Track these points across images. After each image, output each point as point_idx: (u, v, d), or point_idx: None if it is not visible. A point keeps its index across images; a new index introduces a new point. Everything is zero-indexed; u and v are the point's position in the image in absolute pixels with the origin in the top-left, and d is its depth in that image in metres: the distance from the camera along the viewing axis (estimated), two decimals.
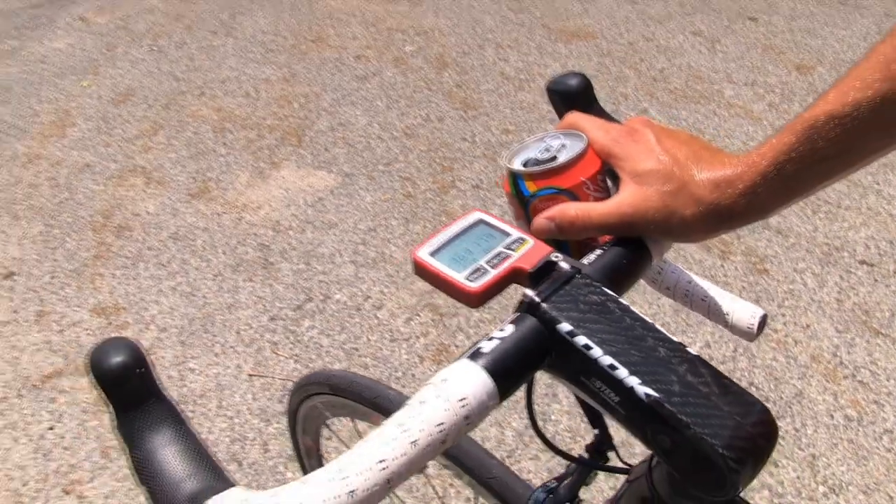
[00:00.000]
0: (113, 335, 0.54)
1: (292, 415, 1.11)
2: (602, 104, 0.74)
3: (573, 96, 0.71)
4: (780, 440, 1.90)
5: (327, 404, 1.01)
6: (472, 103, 3.38)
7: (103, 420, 2.04)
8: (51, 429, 2.01)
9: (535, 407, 1.95)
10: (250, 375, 2.11)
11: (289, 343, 2.21)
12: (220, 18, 4.38)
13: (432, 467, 1.80)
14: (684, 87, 3.47)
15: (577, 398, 0.70)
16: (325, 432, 1.15)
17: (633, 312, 0.51)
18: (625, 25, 4.11)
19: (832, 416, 1.96)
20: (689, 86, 3.48)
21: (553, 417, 1.95)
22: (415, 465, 0.44)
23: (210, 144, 3.16)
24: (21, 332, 2.33)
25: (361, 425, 1.01)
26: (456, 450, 0.87)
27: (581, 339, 0.49)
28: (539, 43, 3.92)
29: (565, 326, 0.49)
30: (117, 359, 0.47)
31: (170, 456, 0.47)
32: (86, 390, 2.12)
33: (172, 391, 2.11)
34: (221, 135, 3.22)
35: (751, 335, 0.72)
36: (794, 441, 1.90)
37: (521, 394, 1.76)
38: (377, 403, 0.90)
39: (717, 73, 3.59)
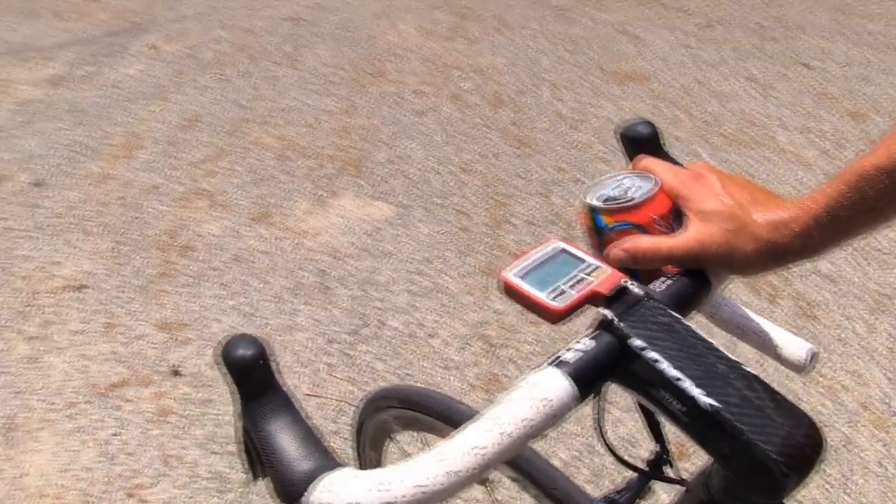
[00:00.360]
0: (241, 332, 0.61)
1: (359, 427, 1.18)
2: None
3: (643, 142, 0.79)
4: (827, 487, 1.92)
5: (398, 418, 1.08)
6: (526, 141, 3.47)
7: (165, 429, 2.13)
8: (116, 435, 2.11)
9: (579, 436, 2.00)
10: (306, 395, 2.19)
11: (344, 366, 2.29)
12: (283, 50, 4.52)
13: (496, 481, 1.86)
14: (737, 132, 3.51)
15: (642, 413, 0.76)
16: (388, 447, 1.22)
17: (696, 333, 0.58)
18: (678, 69, 4.17)
19: (882, 466, 1.97)
20: (742, 130, 3.53)
21: (597, 448, 2.00)
22: (506, 453, 0.51)
23: (272, 171, 3.28)
24: (90, 342, 2.44)
25: (430, 439, 1.08)
26: (523, 461, 0.94)
27: (650, 354, 0.56)
28: (593, 84, 3.99)
29: (637, 342, 0.57)
30: (245, 352, 0.55)
31: (287, 439, 0.54)
32: (148, 400, 2.22)
33: (231, 407, 2.20)
34: (283, 162, 3.34)
35: (800, 368, 0.79)
36: (840, 487, 1.92)
37: (566, 427, 1.81)
38: (449, 417, 0.97)
39: (770, 118, 3.63)
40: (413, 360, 2.29)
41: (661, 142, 0.81)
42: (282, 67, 4.28)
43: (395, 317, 2.47)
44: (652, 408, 0.57)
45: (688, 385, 0.54)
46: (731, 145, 3.40)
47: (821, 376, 2.22)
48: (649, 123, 0.80)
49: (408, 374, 2.23)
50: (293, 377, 2.25)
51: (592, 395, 0.58)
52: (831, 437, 2.04)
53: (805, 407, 1.90)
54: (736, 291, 2.54)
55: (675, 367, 0.55)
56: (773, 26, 4.70)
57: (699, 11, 4.94)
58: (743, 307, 0.81)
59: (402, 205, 3.03)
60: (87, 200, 3.15)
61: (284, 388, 0.56)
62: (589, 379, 0.55)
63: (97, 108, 3.92)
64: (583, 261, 0.65)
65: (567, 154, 3.36)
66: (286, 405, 0.55)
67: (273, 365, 0.56)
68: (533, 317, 2.15)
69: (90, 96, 4.07)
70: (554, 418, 0.53)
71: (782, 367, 0.81)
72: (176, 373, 2.31)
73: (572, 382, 0.54)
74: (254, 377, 0.55)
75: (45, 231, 2.97)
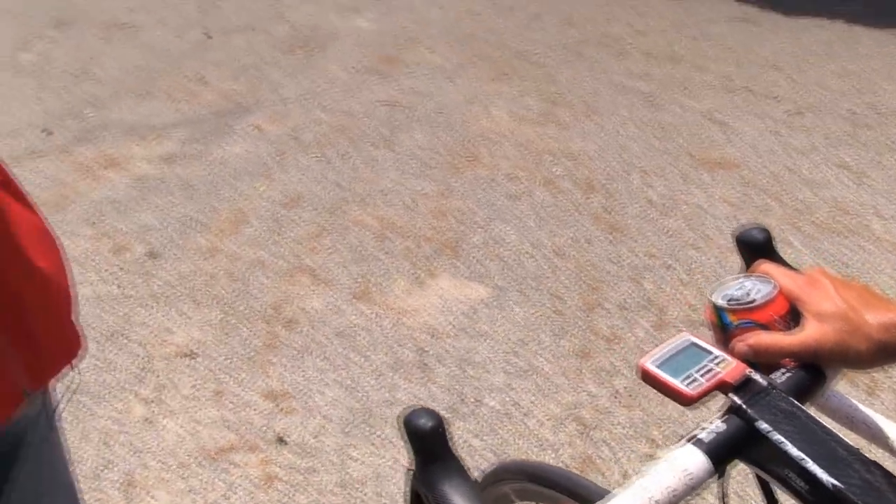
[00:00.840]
0: (420, 405, 0.69)
1: None
2: None
3: (758, 246, 0.88)
4: None
5: (518, 491, 1.16)
6: (618, 227, 3.55)
7: (271, 495, 2.24)
8: (225, 497, 2.23)
9: None
10: (408, 469, 2.28)
11: None
12: (380, 133, 4.72)
13: None
14: (829, 220, 3.53)
15: (762, 491, 0.83)
16: None
17: (815, 420, 0.66)
18: (768, 156, 4.21)
19: None
20: (835, 219, 3.54)
21: None
22: None
23: (371, 250, 3.43)
24: (200, 407, 2.58)
25: None
26: None
27: (776, 436, 0.64)
28: (683, 171, 4.07)
29: (763, 425, 0.65)
30: (425, 423, 0.65)
31: (459, 498, 0.64)
32: (255, 466, 2.34)
33: (334, 476, 2.30)
34: (382, 242, 3.49)
35: None
36: None
37: None
38: (574, 492, 1.04)
39: (864, 206, 3.63)
40: (509, 439, 2.37)
41: (774, 245, 0.89)
42: (379, 150, 4.47)
43: (492, 395, 2.56)
44: (776, 485, 0.64)
45: (811, 465, 0.62)
46: (823, 234, 3.42)
47: None
48: (764, 229, 0.89)
49: (504, 452, 2.31)
50: (393, 450, 2.34)
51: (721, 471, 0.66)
52: None
53: None
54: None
55: (799, 449, 0.63)
56: (865, 113, 4.71)
57: (788, 98, 4.99)
58: (851, 398, 0.87)
59: (498, 287, 3.13)
60: (197, 272, 3.35)
61: (456, 455, 0.66)
62: (721, 456, 0.64)
63: (206, 185, 4.16)
64: (710, 353, 0.75)
65: (658, 241, 3.43)
66: (458, 469, 0.65)
67: (449, 434, 0.66)
68: (626, 400, 2.26)
69: (200, 173, 4.32)
70: (692, 489, 0.62)
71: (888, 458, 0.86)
72: (281, 441, 2.42)
73: (708, 458, 0.63)
74: (432, 445, 0.65)
75: (159, 300, 3.17)
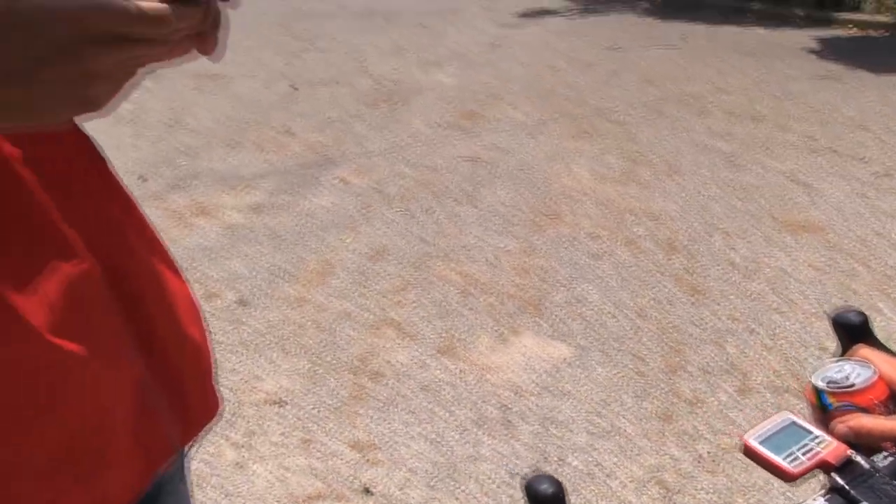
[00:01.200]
0: (541, 472, 0.74)
1: None
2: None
3: (855, 328, 0.92)
4: None
5: None
6: (700, 289, 3.56)
7: None
8: None
9: None
10: None
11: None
12: (463, 188, 4.83)
13: None
14: None
15: None
16: None
17: None
18: (855, 220, 4.17)
19: None
20: None
21: None
22: None
23: (455, 306, 3.50)
24: (289, 454, 2.67)
25: None
26: None
27: None
28: (766, 233, 4.06)
29: None
30: (547, 489, 0.71)
31: None
32: None
33: None
34: (465, 298, 3.56)
35: None
36: None
37: None
38: None
39: None
40: (592, 499, 2.39)
41: (872, 328, 0.93)
42: (462, 205, 4.57)
43: (575, 455, 2.58)
44: None
45: None
46: None
47: None
48: (861, 312, 0.93)
49: None
50: None
51: None
52: None
53: None
54: None
55: None
56: None
57: (875, 159, 4.94)
58: None
59: (580, 346, 3.17)
60: (286, 321, 3.47)
61: None
62: None
63: (293, 235, 4.31)
64: (810, 432, 0.79)
65: (741, 304, 3.42)
66: None
67: (567, 501, 0.71)
68: (709, 465, 2.29)
69: (288, 224, 4.47)
70: None
71: None
72: (367, 491, 2.49)
73: None
74: None
75: (249, 347, 3.29)
